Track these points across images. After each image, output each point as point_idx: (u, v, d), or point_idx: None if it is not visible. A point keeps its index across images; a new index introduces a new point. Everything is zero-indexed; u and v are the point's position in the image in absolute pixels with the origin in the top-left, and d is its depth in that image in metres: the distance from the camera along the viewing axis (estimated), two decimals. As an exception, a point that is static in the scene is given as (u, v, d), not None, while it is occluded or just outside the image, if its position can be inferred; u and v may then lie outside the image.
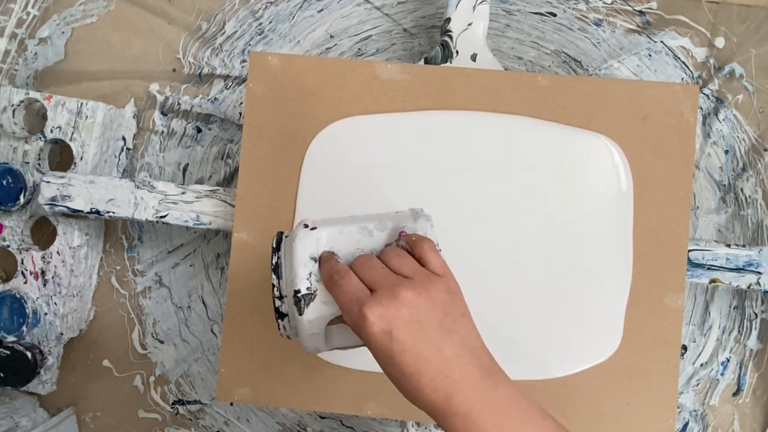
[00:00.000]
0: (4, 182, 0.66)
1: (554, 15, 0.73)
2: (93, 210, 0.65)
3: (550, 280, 0.59)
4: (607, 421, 0.58)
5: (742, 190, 0.71)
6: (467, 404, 0.37)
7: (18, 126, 0.68)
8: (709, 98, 0.72)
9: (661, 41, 0.72)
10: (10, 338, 0.67)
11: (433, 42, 0.74)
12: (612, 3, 0.73)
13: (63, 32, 0.75)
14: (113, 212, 0.65)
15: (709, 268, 0.61)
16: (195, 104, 0.75)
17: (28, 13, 0.75)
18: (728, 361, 0.70)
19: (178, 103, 0.75)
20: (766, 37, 0.71)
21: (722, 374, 0.70)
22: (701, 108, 0.71)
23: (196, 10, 0.75)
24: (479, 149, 0.60)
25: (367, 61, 0.64)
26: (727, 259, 0.61)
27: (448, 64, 0.64)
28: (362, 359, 0.58)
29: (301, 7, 0.74)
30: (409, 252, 0.41)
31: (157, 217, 0.65)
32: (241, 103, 0.74)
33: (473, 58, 0.64)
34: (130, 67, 0.75)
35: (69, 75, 0.75)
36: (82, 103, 0.68)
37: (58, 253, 0.69)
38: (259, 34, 0.75)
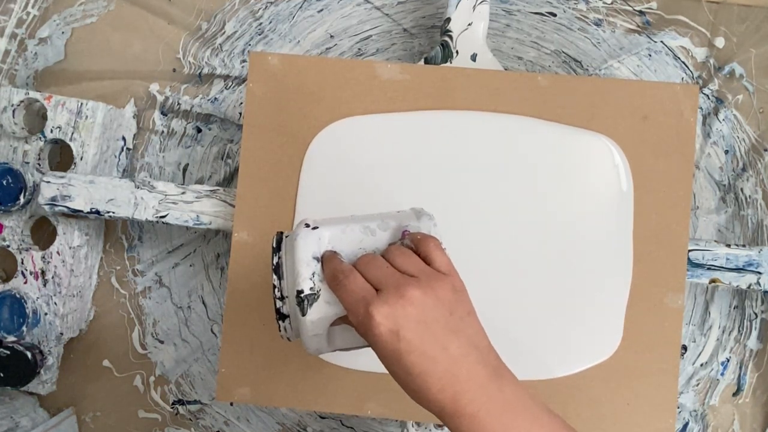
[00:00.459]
0: (4, 182, 0.66)
1: (554, 15, 0.73)
2: (93, 210, 0.65)
3: (550, 280, 0.59)
4: (607, 421, 0.58)
5: (742, 190, 0.71)
6: (475, 405, 0.36)
7: (18, 126, 0.68)
8: (709, 98, 0.72)
9: (661, 41, 0.72)
10: (10, 338, 0.67)
11: (433, 42, 0.74)
12: (612, 3, 0.73)
13: (63, 32, 0.75)
14: (113, 212, 0.65)
15: (709, 268, 0.61)
16: (195, 104, 0.75)
17: (28, 13, 0.75)
18: (728, 361, 0.70)
19: (178, 103, 0.75)
20: (766, 37, 0.71)
21: (722, 374, 0.70)
22: (701, 108, 0.71)
23: (196, 10, 0.75)
24: (479, 149, 0.60)
25: (367, 61, 0.64)
26: (727, 259, 0.61)
27: (448, 64, 0.64)
28: (362, 359, 0.58)
29: (301, 7, 0.74)
30: (413, 251, 0.41)
31: (157, 217, 0.65)
32: (241, 103, 0.74)
33: (473, 58, 0.64)
34: (130, 67, 0.75)
35: (69, 75, 0.75)
36: (82, 103, 0.68)
37: (58, 253, 0.68)
38: (259, 34, 0.75)
